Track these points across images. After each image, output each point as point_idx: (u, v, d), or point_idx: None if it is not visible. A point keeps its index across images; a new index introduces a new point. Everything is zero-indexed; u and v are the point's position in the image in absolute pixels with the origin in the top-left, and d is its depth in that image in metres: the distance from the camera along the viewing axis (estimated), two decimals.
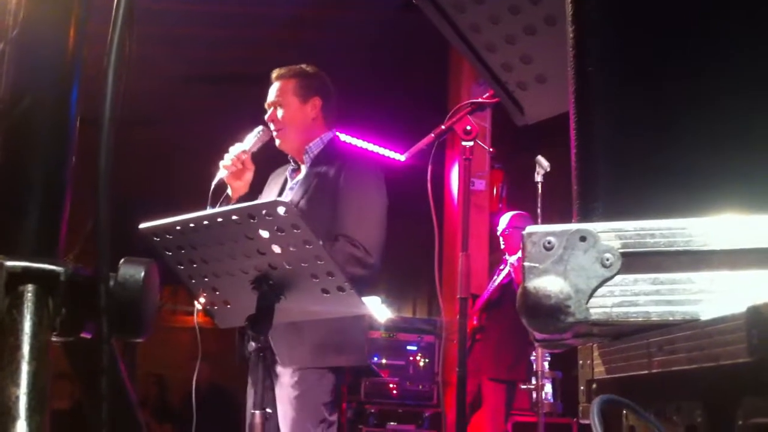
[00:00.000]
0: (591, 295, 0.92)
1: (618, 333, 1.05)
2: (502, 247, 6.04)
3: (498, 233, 5.99)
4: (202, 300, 2.34)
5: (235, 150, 3.05)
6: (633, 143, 0.98)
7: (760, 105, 0.94)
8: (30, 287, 0.81)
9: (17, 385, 0.74)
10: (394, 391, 6.02)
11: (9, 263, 0.82)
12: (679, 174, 0.97)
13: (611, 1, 0.99)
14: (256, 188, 3.20)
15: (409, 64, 7.31)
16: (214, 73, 7.67)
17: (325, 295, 2.16)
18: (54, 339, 0.85)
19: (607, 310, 0.92)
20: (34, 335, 0.78)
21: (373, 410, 6.00)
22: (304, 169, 3.18)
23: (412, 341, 6.15)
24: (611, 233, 0.93)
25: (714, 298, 0.90)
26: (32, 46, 0.93)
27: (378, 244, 2.98)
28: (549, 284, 0.93)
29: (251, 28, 6.73)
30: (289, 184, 3.21)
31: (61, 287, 0.83)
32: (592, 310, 0.93)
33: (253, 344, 2.22)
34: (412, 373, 6.09)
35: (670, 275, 0.91)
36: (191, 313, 2.91)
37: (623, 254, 0.92)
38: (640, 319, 0.92)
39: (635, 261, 0.92)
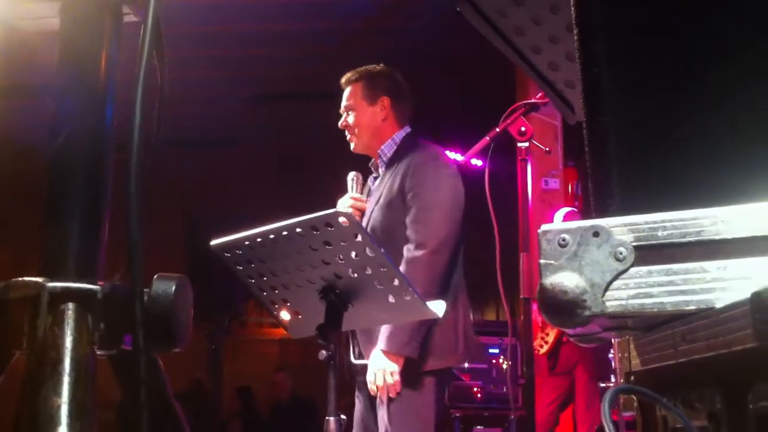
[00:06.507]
0: (606, 289, 0.94)
1: (649, 325, 1.06)
2: None
3: None
4: (274, 312, 2.41)
5: (346, 202, 3.10)
6: (643, 140, 1.00)
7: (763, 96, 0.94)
8: (70, 305, 0.88)
9: (59, 395, 0.81)
10: (479, 395, 5.96)
11: (50, 284, 0.90)
12: (689, 167, 0.97)
13: (614, 2, 1.01)
14: None
15: (477, 67, 7.30)
16: (283, 91, 7.81)
17: (390, 301, 2.20)
18: (99, 353, 0.92)
19: (623, 302, 0.94)
20: (74, 349, 0.85)
21: (458, 414, 5.97)
22: (380, 174, 3.21)
23: (494, 344, 6.10)
24: (624, 227, 0.94)
25: (728, 285, 0.90)
26: (67, 76, 1.00)
27: (437, 232, 2.95)
28: (565, 280, 0.95)
29: (314, 46, 6.85)
30: (372, 191, 3.24)
31: (98, 305, 0.90)
32: (608, 303, 0.94)
33: (324, 353, 2.27)
34: (496, 376, 6.04)
35: (684, 265, 0.92)
36: (277, 326, 2.97)
37: (636, 247, 0.94)
38: (655, 310, 0.93)
39: (649, 253, 0.94)
